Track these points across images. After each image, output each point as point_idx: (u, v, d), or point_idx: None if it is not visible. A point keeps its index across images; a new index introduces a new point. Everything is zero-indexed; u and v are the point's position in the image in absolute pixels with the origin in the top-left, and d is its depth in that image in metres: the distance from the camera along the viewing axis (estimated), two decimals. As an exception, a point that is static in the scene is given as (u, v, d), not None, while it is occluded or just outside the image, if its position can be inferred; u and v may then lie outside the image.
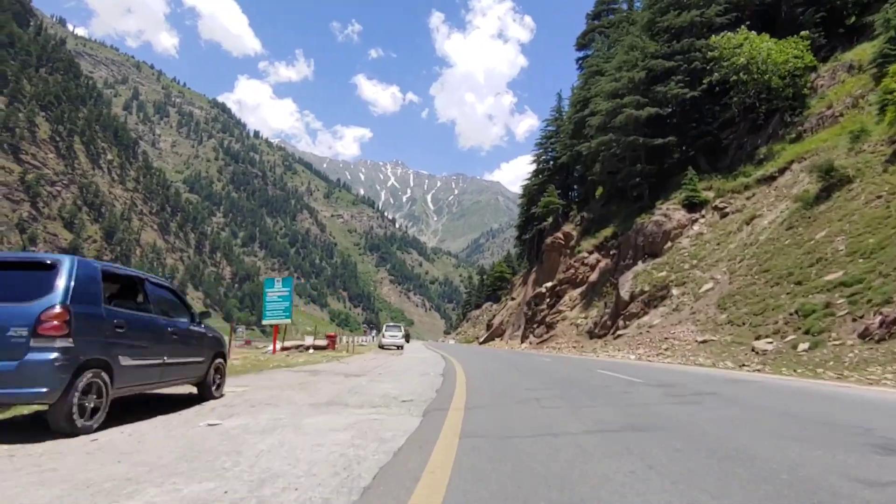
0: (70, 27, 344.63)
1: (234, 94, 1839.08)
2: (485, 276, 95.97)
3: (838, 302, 14.25)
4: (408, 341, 48.72)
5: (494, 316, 72.62)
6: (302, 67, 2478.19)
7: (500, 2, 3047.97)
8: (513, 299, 67.51)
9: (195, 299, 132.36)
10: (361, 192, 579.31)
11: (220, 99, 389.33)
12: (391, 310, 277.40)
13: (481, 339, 68.23)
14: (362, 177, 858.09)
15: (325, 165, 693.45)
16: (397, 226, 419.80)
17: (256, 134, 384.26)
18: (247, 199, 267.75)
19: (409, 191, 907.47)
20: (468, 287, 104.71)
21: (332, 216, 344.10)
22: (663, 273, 27.61)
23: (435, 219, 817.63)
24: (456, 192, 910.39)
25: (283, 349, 21.37)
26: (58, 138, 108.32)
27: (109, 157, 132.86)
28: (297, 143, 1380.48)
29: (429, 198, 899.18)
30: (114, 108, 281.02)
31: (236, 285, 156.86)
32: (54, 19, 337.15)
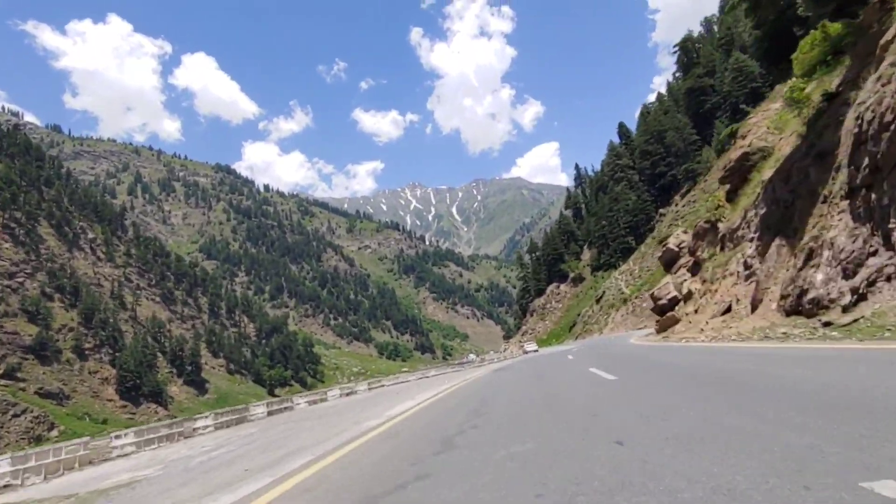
0: (66, 131, 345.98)
1: (245, 161, 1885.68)
2: (537, 255, 75.49)
3: None
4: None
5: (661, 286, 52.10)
6: (301, 117, 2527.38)
7: (473, 0, 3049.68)
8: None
9: (215, 368, 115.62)
10: (388, 222, 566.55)
11: (233, 167, 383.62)
12: (441, 328, 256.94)
13: (645, 330, 47.73)
14: (384, 207, 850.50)
15: (345, 206, 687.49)
16: (427, 242, 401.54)
17: (267, 188, 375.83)
18: (266, 252, 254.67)
19: (432, 209, 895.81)
20: (522, 273, 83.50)
21: (360, 249, 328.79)
22: None
23: (465, 229, 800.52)
24: (479, 198, 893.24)
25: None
26: (13, 225, 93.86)
27: (91, 235, 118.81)
28: (314, 191, 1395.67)
29: (454, 210, 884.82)
30: (119, 196, 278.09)
31: (263, 341, 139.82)
32: (48, 128, 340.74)
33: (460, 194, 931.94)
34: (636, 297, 40.39)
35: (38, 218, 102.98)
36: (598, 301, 48.18)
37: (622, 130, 73.36)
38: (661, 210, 53.37)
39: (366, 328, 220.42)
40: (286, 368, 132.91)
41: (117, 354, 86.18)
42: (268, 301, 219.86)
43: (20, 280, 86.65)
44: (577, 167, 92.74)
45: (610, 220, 58.62)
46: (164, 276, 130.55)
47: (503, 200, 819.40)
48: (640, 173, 60.05)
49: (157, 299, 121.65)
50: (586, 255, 69.12)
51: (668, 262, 32.42)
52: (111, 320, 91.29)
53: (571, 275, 66.64)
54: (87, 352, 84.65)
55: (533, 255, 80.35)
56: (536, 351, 39.22)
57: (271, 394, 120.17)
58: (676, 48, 72.33)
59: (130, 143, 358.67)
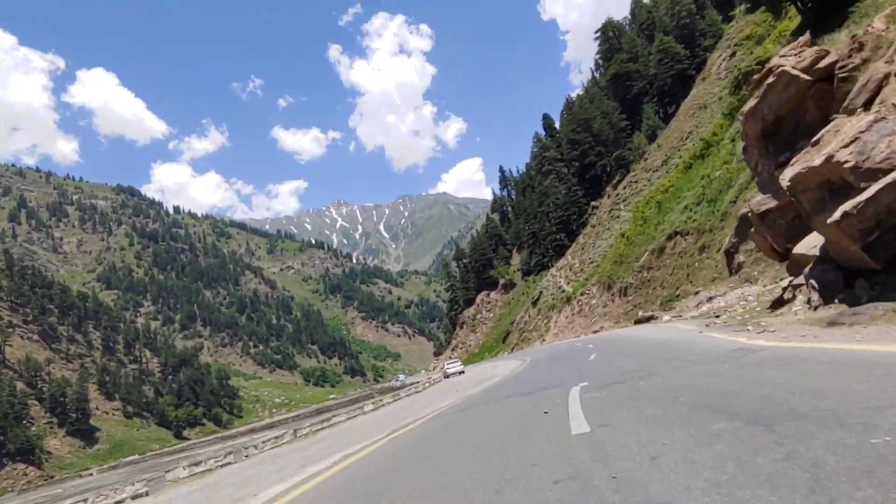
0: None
1: (154, 184, 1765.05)
2: (465, 262, 70.92)
3: None
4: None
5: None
6: (215, 136, 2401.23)
7: (391, 19, 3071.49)
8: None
9: (109, 412, 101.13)
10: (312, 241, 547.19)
11: (143, 191, 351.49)
12: (371, 349, 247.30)
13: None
14: (308, 227, 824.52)
15: (266, 226, 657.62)
16: (355, 261, 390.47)
17: (178, 209, 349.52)
18: (176, 278, 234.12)
19: (359, 227, 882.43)
20: (449, 284, 78.10)
21: (282, 270, 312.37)
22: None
23: (393, 246, 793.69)
24: (406, 214, 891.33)
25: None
26: None
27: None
28: (233, 213, 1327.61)
29: (381, 227, 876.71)
30: (0, 224, 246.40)
31: (169, 377, 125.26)
32: None
33: (387, 211, 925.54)
34: (582, 294, 34.39)
35: None
36: (534, 304, 43.54)
37: (547, 122, 70.68)
38: (592, 203, 50.14)
39: (290, 354, 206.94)
40: (196, 406, 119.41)
41: (-26, 407, 71.54)
42: (178, 332, 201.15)
43: None
44: (501, 169, 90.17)
45: (539, 217, 54.70)
46: (45, 311, 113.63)
47: (430, 216, 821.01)
48: (569, 165, 56.97)
49: (35, 337, 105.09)
50: (516, 259, 65.64)
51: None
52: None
53: (502, 281, 62.58)
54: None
55: (461, 262, 75.72)
56: (462, 373, 34.30)
57: (178, 436, 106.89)
58: (598, 33, 71.19)
59: (13, 165, 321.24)
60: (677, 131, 51.16)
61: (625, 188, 49.10)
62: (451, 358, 49.94)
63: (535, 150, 67.37)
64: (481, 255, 64.85)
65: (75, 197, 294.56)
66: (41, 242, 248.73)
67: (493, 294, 62.78)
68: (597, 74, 74.77)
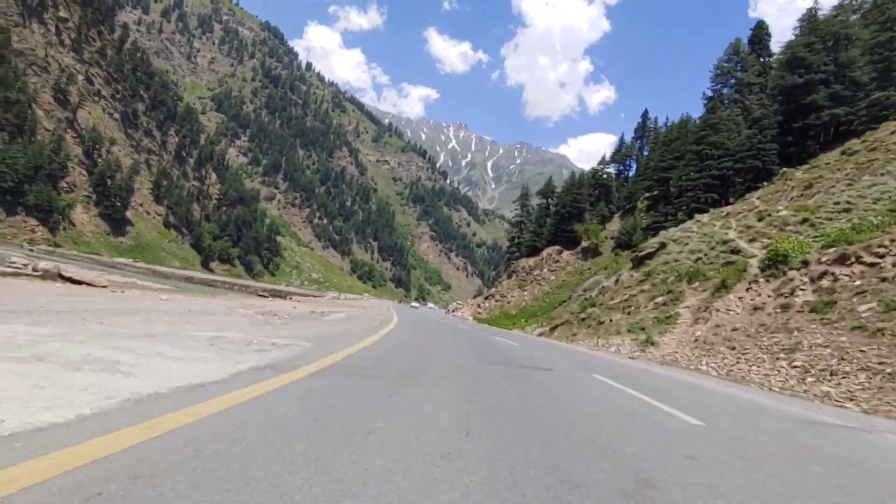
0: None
1: (304, 41, 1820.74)
2: (550, 202, 55.36)
3: None
4: None
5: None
6: (373, 15, 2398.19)
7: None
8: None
9: (150, 213, 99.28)
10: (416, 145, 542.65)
11: (290, 44, 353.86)
12: (427, 269, 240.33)
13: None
14: (423, 136, 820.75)
15: (386, 121, 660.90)
16: (448, 181, 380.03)
17: (309, 66, 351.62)
18: (279, 127, 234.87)
19: (469, 155, 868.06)
20: (517, 218, 62.95)
21: (378, 161, 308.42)
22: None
23: (493, 186, 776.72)
24: (518, 161, 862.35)
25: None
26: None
27: (63, 14, 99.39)
28: (362, 96, 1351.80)
29: (489, 164, 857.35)
30: (151, 14, 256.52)
31: (224, 208, 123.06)
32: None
33: (501, 151, 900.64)
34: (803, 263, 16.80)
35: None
36: (639, 263, 25.07)
37: (760, 32, 48.57)
38: (784, 169, 30.75)
39: (348, 240, 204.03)
40: (235, 245, 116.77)
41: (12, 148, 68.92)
42: (259, 175, 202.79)
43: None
44: (644, 114, 70.71)
45: (690, 161, 35.44)
46: (137, 95, 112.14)
47: (540, 173, 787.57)
48: (774, 98, 36.81)
49: (116, 115, 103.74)
50: (614, 225, 49.99)
51: None
52: (26, 104, 73.33)
53: (584, 243, 47.42)
54: (-27, 131, 67.40)
55: (546, 199, 60.59)
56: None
57: (205, 265, 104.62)
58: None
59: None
60: None
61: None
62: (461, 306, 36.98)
63: (719, 65, 47.40)
64: (574, 200, 49.40)
65: (225, 18, 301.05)
66: (180, 45, 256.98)
67: (566, 253, 48.22)
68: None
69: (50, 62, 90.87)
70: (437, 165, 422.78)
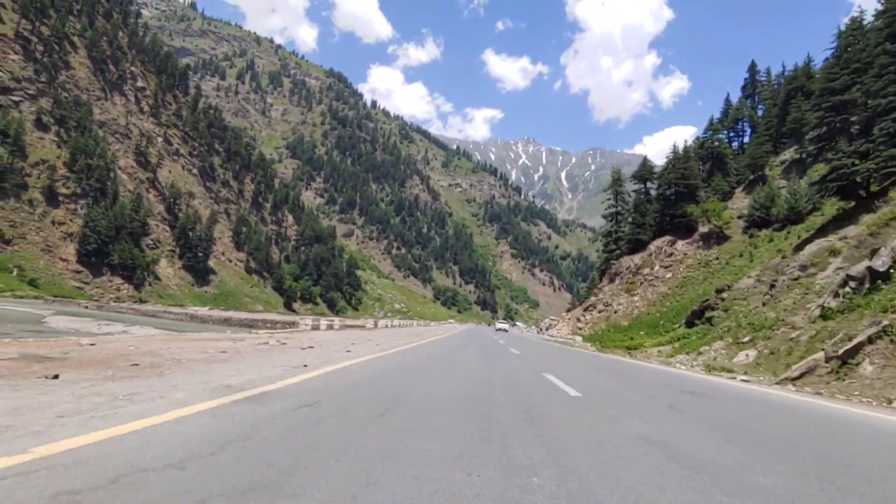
0: (199, 9, 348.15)
1: (368, 84, 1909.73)
2: (651, 186, 46.24)
3: None
4: None
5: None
6: (430, 48, 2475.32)
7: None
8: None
9: (232, 261, 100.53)
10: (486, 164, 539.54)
11: (356, 87, 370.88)
12: (511, 288, 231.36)
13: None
14: (492, 156, 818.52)
15: (454, 146, 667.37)
16: (522, 195, 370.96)
17: (374, 104, 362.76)
18: (351, 164, 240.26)
19: (541, 168, 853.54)
20: (613, 209, 53.59)
21: (450, 185, 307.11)
22: None
23: (569, 196, 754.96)
24: (593, 167, 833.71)
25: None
26: (33, 38, 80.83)
27: (140, 84, 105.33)
28: (428, 127, 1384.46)
29: (563, 175, 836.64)
30: (228, 79, 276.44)
31: (301, 248, 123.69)
32: (184, 2, 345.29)
33: (574, 159, 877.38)
34: None
35: (72, 42, 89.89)
36: None
37: None
38: None
39: (428, 267, 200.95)
40: (316, 283, 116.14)
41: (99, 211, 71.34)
42: (336, 213, 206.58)
43: (15, 99, 73.41)
44: (752, 66, 58.99)
45: (868, 92, 24.99)
46: (212, 150, 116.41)
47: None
48: None
49: (194, 171, 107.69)
50: (738, 202, 40.09)
51: None
52: (107, 168, 76.31)
53: (703, 228, 37.79)
54: (60, 198, 70.57)
55: (643, 182, 51.38)
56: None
57: (288, 307, 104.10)
58: None
59: (253, 32, 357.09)
60: None
61: None
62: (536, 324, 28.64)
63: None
64: (682, 177, 40.03)
65: (293, 71, 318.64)
66: (255, 103, 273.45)
67: (680, 243, 38.98)
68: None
69: (131, 129, 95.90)
70: (510, 182, 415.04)
